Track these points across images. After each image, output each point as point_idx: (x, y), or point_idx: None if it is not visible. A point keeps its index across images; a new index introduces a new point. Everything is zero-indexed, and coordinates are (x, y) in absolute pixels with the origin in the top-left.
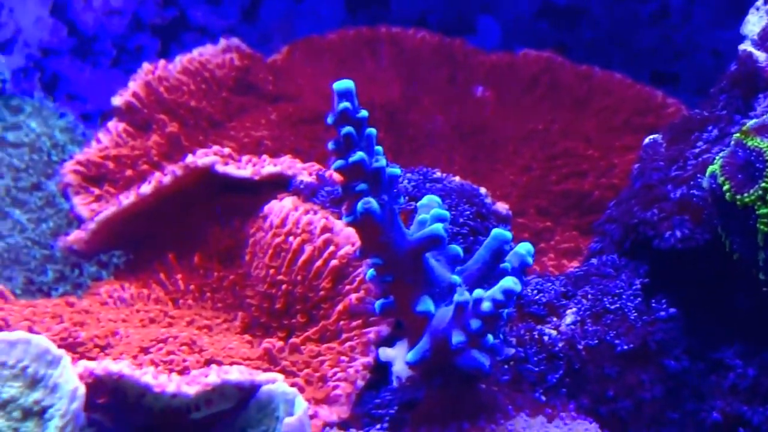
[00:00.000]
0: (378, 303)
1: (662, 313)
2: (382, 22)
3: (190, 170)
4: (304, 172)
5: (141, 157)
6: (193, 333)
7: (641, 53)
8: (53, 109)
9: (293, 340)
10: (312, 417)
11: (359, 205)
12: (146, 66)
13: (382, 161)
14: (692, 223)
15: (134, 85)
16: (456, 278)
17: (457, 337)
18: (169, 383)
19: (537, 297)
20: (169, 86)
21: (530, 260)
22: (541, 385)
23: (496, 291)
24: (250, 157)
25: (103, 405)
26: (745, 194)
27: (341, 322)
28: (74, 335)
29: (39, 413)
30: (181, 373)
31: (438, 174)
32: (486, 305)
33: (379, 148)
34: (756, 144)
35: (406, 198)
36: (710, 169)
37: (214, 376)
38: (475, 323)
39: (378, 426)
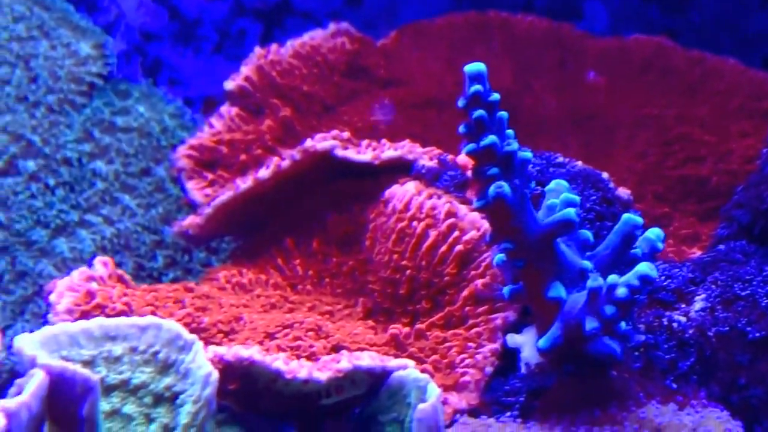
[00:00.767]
0: (507, 289)
1: None
2: (488, 7)
3: (309, 154)
4: (425, 157)
5: (254, 142)
6: (318, 318)
7: (751, 38)
8: (161, 94)
9: (418, 326)
10: (442, 404)
11: (491, 189)
12: (258, 50)
13: (514, 145)
14: None
15: (246, 69)
16: (587, 264)
17: (590, 324)
18: (300, 369)
19: (665, 283)
20: (281, 70)
21: (660, 246)
22: (671, 372)
23: (631, 277)
24: (369, 141)
25: (233, 391)
26: None
27: (467, 308)
28: (197, 320)
29: (170, 399)
30: (308, 359)
31: (560, 159)
32: (621, 291)
33: (510, 131)
34: None
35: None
36: None
37: (345, 362)
38: (609, 309)
39: (508, 413)
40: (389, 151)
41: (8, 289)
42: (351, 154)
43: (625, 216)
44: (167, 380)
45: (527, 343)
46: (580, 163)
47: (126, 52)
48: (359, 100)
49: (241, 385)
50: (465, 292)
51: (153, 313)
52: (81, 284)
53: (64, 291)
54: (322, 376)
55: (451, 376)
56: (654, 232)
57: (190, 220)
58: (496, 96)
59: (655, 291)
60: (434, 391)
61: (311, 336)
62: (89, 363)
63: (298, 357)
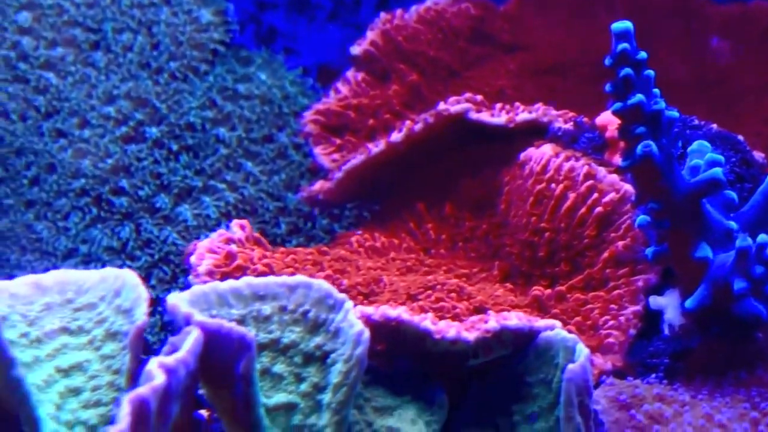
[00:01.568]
0: (650, 250)
1: None
2: None
3: (442, 118)
4: (560, 120)
5: (382, 107)
6: (458, 280)
7: None
8: (281, 61)
9: (559, 288)
10: None
11: (638, 148)
12: (383, 15)
13: (661, 104)
14: None
15: (372, 34)
16: (733, 224)
17: (739, 284)
18: (449, 329)
19: None
20: (406, 35)
21: None
22: None
23: None
24: (503, 104)
25: (379, 352)
26: None
27: (607, 270)
28: (337, 283)
29: (321, 358)
30: (453, 320)
31: (696, 121)
32: None
33: (656, 90)
34: None
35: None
36: None
37: (493, 322)
38: (759, 269)
39: (653, 375)
40: (524, 113)
41: (134, 255)
42: (485, 117)
43: None
44: (317, 339)
45: (670, 305)
46: (715, 125)
47: (240, 21)
48: (484, 65)
49: (388, 346)
50: (605, 254)
51: (293, 276)
52: (221, 246)
53: (204, 253)
54: (471, 336)
55: (595, 337)
56: None
57: (320, 185)
58: (643, 54)
59: None
60: (583, 351)
61: (453, 297)
62: (239, 322)
63: (442, 318)
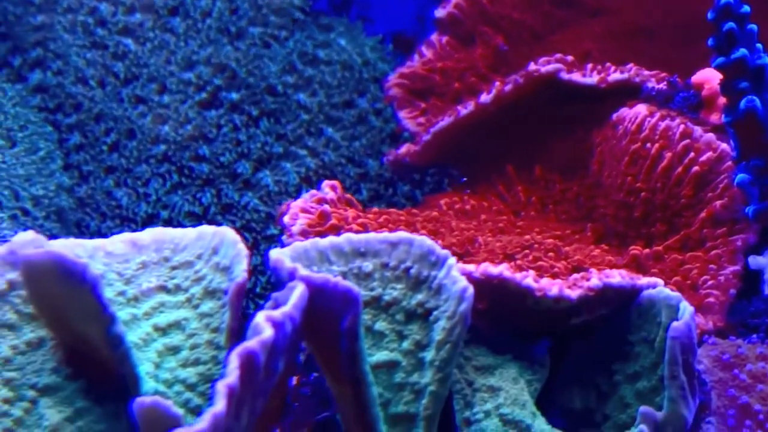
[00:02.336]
0: (750, 208)
1: None
2: None
3: (532, 78)
4: (653, 80)
5: (468, 70)
6: (555, 240)
7: None
8: (361, 28)
9: (656, 248)
10: None
11: (741, 103)
12: None
13: (765, 58)
14: None
15: None
16: None
17: None
18: (551, 286)
19: None
20: None
21: None
22: None
23: None
24: (594, 65)
25: (479, 311)
26: None
27: (705, 230)
28: None
29: (423, 316)
30: (553, 278)
31: None
32: None
33: (759, 45)
34: None
35: None
36: None
37: (596, 279)
38: None
39: (755, 335)
40: (616, 74)
41: (215, 221)
42: (576, 77)
43: None
44: (419, 297)
45: None
46: None
47: None
48: (568, 29)
49: (489, 305)
50: (702, 214)
51: None
52: (314, 206)
53: (297, 212)
54: (573, 294)
55: (695, 297)
56: None
57: (407, 148)
58: (746, 8)
59: None
60: (687, 309)
61: (551, 257)
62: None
63: (541, 278)
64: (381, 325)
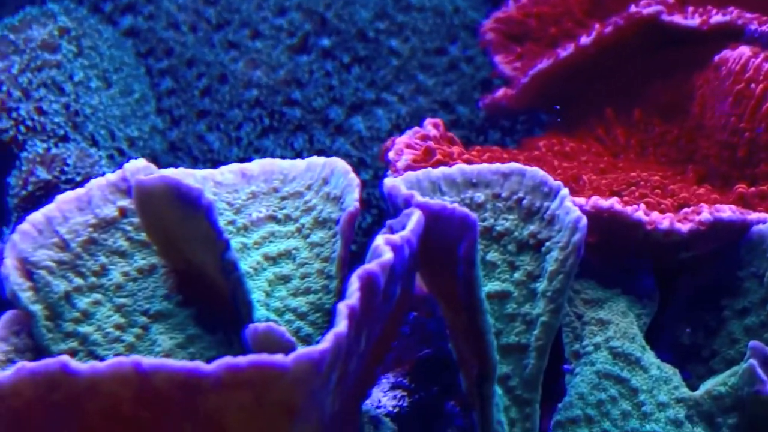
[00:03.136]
0: None
1: None
2: None
3: (633, 20)
4: (755, 22)
5: (564, 15)
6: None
7: None
8: None
9: (761, 187)
10: None
11: None
12: None
13: None
14: None
15: None
16: None
17: None
18: (662, 220)
19: None
20: None
21: None
22: None
23: None
24: (696, 7)
25: (590, 244)
26: None
27: None
28: None
29: (535, 246)
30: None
31: None
32: None
33: None
34: None
35: None
36: None
37: (706, 213)
38: None
39: None
40: (718, 16)
41: None
42: (678, 19)
43: None
44: (532, 227)
45: None
46: None
47: None
48: None
49: (599, 238)
50: None
51: None
52: (418, 142)
53: (402, 148)
54: (684, 227)
55: None
56: None
57: (504, 92)
58: None
59: None
60: None
61: (658, 194)
62: None
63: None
64: (493, 255)
